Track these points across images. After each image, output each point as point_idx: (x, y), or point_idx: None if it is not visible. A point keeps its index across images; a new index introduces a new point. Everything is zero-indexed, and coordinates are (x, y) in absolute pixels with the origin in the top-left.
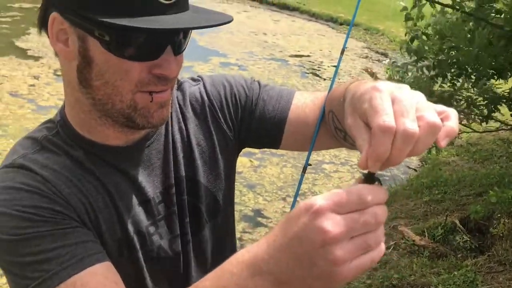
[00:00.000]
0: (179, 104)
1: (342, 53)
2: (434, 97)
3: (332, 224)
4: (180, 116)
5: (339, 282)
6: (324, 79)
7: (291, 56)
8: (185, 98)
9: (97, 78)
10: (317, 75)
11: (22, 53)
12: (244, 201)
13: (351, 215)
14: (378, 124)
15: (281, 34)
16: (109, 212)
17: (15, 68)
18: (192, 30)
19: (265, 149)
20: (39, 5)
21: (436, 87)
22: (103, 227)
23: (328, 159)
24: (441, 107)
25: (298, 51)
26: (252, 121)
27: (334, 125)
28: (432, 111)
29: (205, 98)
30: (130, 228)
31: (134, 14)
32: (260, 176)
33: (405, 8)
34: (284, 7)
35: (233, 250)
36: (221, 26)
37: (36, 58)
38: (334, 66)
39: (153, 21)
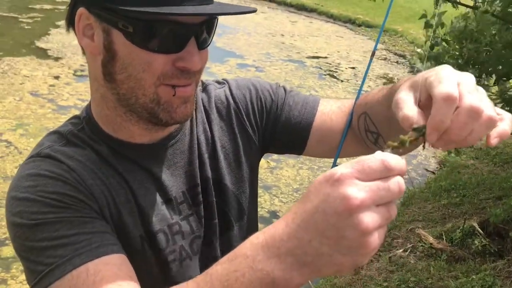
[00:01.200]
0: (204, 106)
1: (372, 55)
2: None
3: (358, 190)
4: (204, 117)
5: (368, 255)
6: (342, 81)
7: (309, 57)
8: (210, 100)
9: (121, 72)
10: (335, 77)
11: (43, 54)
12: (260, 202)
13: (377, 182)
14: (441, 91)
15: (298, 36)
16: (131, 207)
17: (35, 68)
18: (216, 28)
19: None
20: (59, 7)
21: None
22: (125, 221)
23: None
24: (499, 109)
25: (316, 52)
26: (277, 126)
27: (366, 128)
28: (492, 106)
29: (231, 101)
30: (153, 225)
31: (158, 4)
32: (276, 178)
33: (424, 16)
34: (302, 8)
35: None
36: (238, 27)
37: (56, 59)
38: (352, 67)
39: (177, 10)
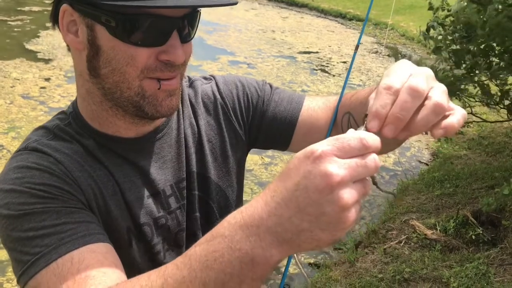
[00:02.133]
0: (191, 101)
1: (356, 48)
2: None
3: (338, 167)
4: (191, 112)
5: (345, 229)
6: (333, 76)
7: (300, 52)
8: (196, 95)
9: (105, 66)
10: (326, 72)
11: (33, 56)
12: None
13: (355, 160)
14: (384, 82)
15: (289, 31)
16: (118, 200)
17: (26, 70)
18: (199, 22)
19: None
20: (48, 8)
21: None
22: (112, 213)
23: None
24: (453, 105)
25: (307, 47)
26: (263, 121)
27: (349, 126)
28: (442, 95)
29: (217, 96)
30: (140, 218)
31: None
32: (271, 174)
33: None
34: (293, 4)
35: None
36: (229, 24)
37: (47, 61)
38: (343, 62)
39: (158, 3)
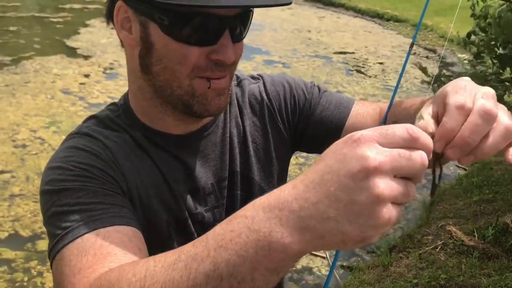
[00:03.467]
0: (238, 100)
1: (411, 46)
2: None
3: (377, 152)
4: (238, 111)
5: (377, 228)
6: (370, 77)
7: (336, 53)
8: (244, 94)
9: (157, 63)
10: (362, 73)
11: (73, 52)
12: None
13: (398, 149)
14: (455, 99)
15: (325, 31)
16: (160, 193)
17: (66, 66)
18: (251, 22)
19: None
20: (88, 6)
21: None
22: (153, 205)
23: None
24: None
25: (343, 48)
26: (308, 124)
27: None
28: (510, 119)
29: (264, 97)
30: (179, 212)
31: None
32: None
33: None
34: (329, 4)
35: None
36: (264, 24)
37: (86, 57)
38: (380, 63)
39: (211, 2)
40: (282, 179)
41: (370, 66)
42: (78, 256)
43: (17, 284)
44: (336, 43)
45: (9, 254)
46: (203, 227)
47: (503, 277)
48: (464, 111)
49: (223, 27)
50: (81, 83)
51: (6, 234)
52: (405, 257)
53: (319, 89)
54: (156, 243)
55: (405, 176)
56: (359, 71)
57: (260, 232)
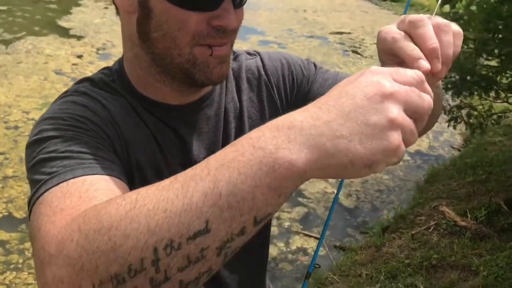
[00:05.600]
0: (234, 75)
1: None
2: (475, 76)
3: (391, 83)
4: (234, 86)
5: (386, 153)
6: (366, 57)
7: (332, 33)
8: (240, 69)
9: (156, 30)
10: (359, 53)
11: (65, 32)
12: None
13: (409, 87)
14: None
15: (321, 11)
16: (157, 163)
17: (58, 47)
18: None
19: None
20: None
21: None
22: (148, 174)
23: None
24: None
25: (339, 28)
26: (306, 101)
27: None
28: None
29: (262, 72)
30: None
31: None
32: None
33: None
34: None
35: (267, 229)
36: (259, 3)
37: (79, 38)
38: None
39: None
40: None
41: (366, 47)
42: (61, 198)
43: (11, 266)
44: (332, 23)
45: (3, 235)
46: None
47: (494, 257)
48: (428, 26)
49: None
50: (74, 64)
51: (0, 215)
52: (398, 238)
53: (315, 65)
54: None
55: (412, 114)
56: (355, 52)
57: (265, 149)
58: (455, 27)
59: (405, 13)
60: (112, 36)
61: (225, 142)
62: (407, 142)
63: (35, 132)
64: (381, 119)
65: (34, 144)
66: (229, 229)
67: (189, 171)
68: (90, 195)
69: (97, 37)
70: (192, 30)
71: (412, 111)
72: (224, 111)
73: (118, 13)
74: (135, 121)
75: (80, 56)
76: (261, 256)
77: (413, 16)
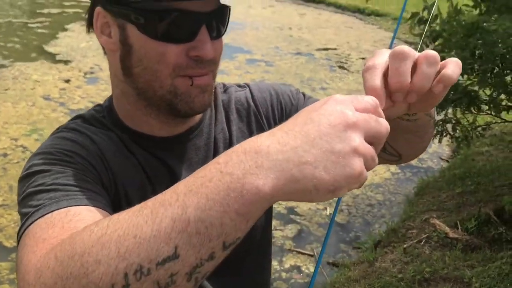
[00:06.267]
0: (224, 107)
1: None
2: (458, 93)
3: (353, 112)
4: (224, 117)
5: (349, 179)
6: (352, 72)
7: (318, 49)
8: (230, 101)
9: (137, 65)
10: (345, 68)
11: (52, 58)
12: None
13: (369, 114)
14: (395, 50)
15: (306, 28)
16: (145, 194)
17: (46, 72)
18: (229, 19)
19: None
20: (67, 10)
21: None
22: (136, 203)
23: None
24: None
25: (325, 44)
26: None
27: None
28: (427, 50)
29: (251, 103)
30: None
31: None
32: None
33: (415, 14)
34: (310, 0)
35: (266, 254)
36: (246, 22)
37: (66, 62)
38: (362, 58)
39: None
40: None
41: (352, 62)
42: (44, 229)
43: None
44: (318, 39)
45: None
46: None
47: (486, 268)
48: (406, 59)
49: (199, 23)
50: (62, 89)
51: None
52: (390, 252)
53: (304, 95)
54: None
55: (371, 139)
56: (342, 67)
57: (233, 174)
58: (453, 58)
59: (393, 39)
60: (99, 60)
61: None
62: (368, 168)
63: (26, 167)
64: (345, 147)
65: (24, 179)
66: (198, 255)
67: (159, 197)
68: (73, 225)
69: (84, 61)
70: (171, 62)
71: (371, 137)
72: (214, 141)
73: (105, 52)
74: (124, 154)
75: (67, 81)
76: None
77: (396, 49)
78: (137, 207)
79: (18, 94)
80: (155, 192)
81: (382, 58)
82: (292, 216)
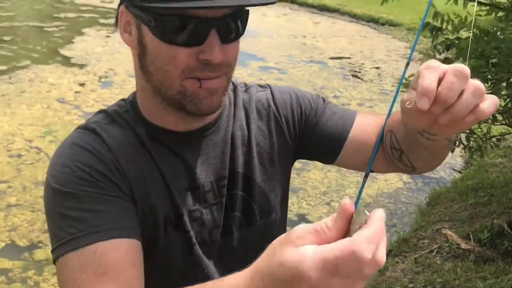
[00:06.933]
0: (244, 105)
1: (407, 65)
2: None
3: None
4: (243, 115)
5: None
6: (366, 81)
7: (332, 58)
8: (251, 100)
9: (151, 64)
10: (359, 77)
11: (67, 61)
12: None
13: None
14: (423, 65)
15: (320, 36)
16: (160, 188)
17: (61, 76)
18: (246, 22)
19: None
20: (83, 14)
21: None
22: (153, 202)
23: None
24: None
25: (339, 53)
26: (313, 133)
27: (391, 145)
28: (478, 82)
29: (271, 103)
30: (178, 208)
31: (179, 0)
32: (303, 180)
33: (429, 25)
34: (324, 9)
35: None
36: (259, 30)
37: (81, 66)
38: (376, 67)
39: (190, 4)
40: (283, 184)
41: (366, 71)
42: (78, 272)
43: None
44: (331, 48)
45: (6, 264)
46: (202, 224)
47: (498, 280)
48: (433, 69)
49: (209, 27)
50: (76, 92)
51: (3, 244)
52: (401, 262)
53: (324, 100)
54: (153, 238)
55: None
56: (355, 76)
57: None
58: (492, 96)
59: (410, 56)
60: (113, 64)
61: (232, 166)
62: None
63: (52, 173)
64: None
65: (51, 191)
66: None
67: None
68: (101, 271)
69: (99, 66)
70: (181, 65)
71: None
72: (231, 137)
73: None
74: (139, 152)
75: (82, 84)
76: None
77: (428, 62)
78: None
79: (34, 97)
80: (167, 185)
81: (443, 65)
82: (303, 223)
